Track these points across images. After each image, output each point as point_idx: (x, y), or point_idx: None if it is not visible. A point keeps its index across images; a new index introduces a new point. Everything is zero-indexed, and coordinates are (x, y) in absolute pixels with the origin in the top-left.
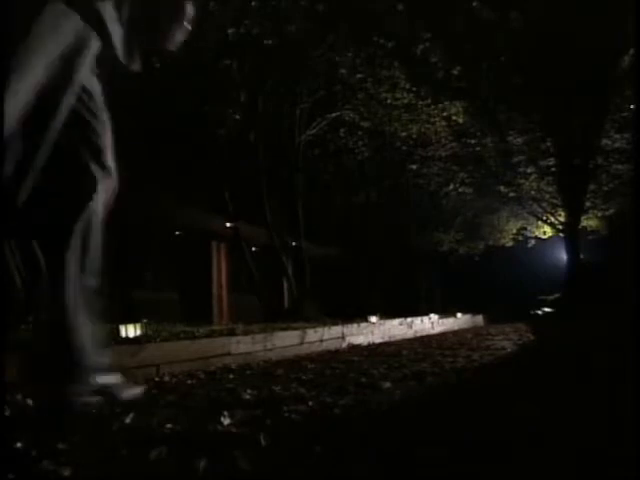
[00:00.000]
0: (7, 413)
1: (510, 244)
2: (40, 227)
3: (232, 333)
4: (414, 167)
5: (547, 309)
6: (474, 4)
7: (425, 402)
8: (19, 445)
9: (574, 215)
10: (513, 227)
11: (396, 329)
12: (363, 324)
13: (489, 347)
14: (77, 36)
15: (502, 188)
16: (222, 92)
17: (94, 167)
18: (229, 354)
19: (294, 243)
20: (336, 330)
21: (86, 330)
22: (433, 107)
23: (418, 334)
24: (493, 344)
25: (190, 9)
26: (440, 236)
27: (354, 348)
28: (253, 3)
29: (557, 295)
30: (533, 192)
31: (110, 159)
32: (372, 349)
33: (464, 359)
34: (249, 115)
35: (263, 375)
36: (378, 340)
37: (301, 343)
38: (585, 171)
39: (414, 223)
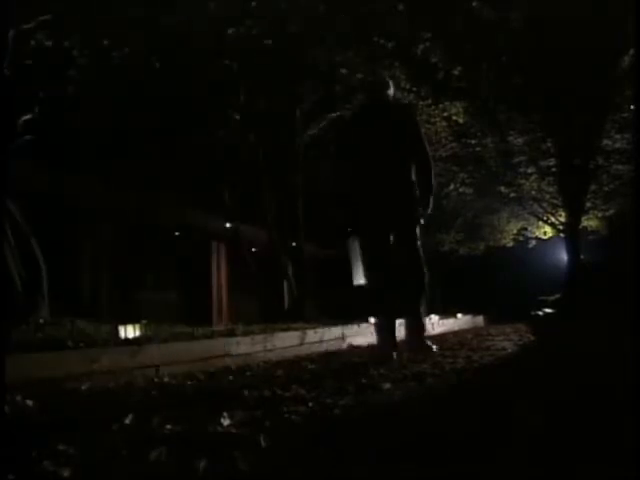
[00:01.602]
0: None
1: (511, 244)
2: None
3: (232, 334)
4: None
5: (548, 310)
6: (474, 4)
7: (425, 403)
8: (19, 445)
9: (575, 215)
10: (514, 227)
11: (396, 330)
12: (363, 325)
13: (489, 348)
14: None
15: (502, 188)
16: (222, 92)
17: None
18: (229, 355)
19: (294, 243)
20: (336, 331)
21: None
22: (433, 107)
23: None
24: (493, 345)
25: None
26: (441, 237)
27: (354, 349)
28: (253, 3)
29: (558, 296)
30: (534, 192)
31: None
32: (372, 350)
33: (464, 360)
34: (249, 115)
35: (263, 376)
36: None
37: (301, 344)
38: (586, 171)
39: None
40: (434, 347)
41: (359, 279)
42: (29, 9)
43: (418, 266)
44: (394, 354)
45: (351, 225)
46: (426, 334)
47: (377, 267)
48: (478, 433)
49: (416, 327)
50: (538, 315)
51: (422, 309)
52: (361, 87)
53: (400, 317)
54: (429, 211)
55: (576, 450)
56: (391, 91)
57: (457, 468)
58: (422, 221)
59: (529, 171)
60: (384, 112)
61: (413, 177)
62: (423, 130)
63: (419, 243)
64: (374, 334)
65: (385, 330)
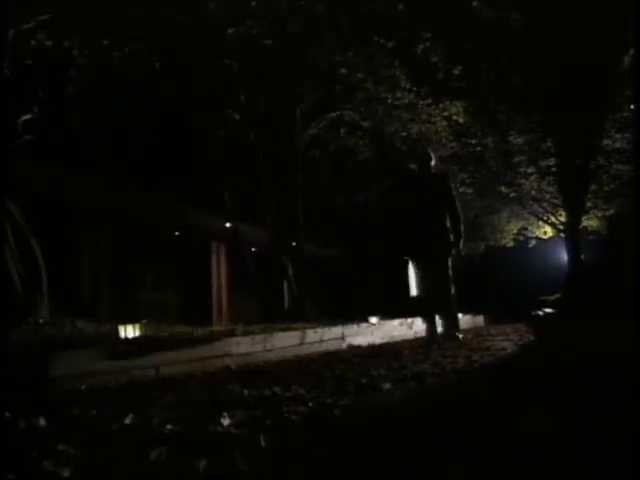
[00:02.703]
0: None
1: (511, 244)
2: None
3: (232, 334)
4: (414, 167)
5: (548, 309)
6: (474, 4)
7: (425, 403)
8: (19, 445)
9: (575, 215)
10: (514, 227)
11: (396, 330)
12: (363, 324)
13: (489, 348)
14: None
15: (503, 188)
16: (222, 92)
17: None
18: (229, 355)
19: (294, 243)
20: (336, 331)
21: None
22: (433, 107)
23: (418, 334)
24: (493, 345)
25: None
26: None
27: (354, 349)
28: (253, 3)
29: (558, 295)
30: (534, 192)
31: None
32: (372, 350)
33: (464, 360)
34: (249, 115)
35: (263, 376)
36: (378, 341)
37: (301, 344)
38: (586, 171)
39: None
40: (461, 336)
41: (413, 291)
42: (29, 9)
43: (446, 284)
44: (436, 341)
45: (407, 255)
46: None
47: (423, 284)
48: (478, 434)
49: (449, 323)
50: (538, 315)
51: (454, 310)
52: (412, 158)
53: (437, 315)
54: (460, 249)
55: (575, 451)
56: (433, 162)
57: (457, 471)
58: (453, 252)
59: (529, 171)
60: (427, 180)
61: (448, 224)
62: (454, 192)
63: (450, 269)
64: (423, 327)
65: (431, 325)
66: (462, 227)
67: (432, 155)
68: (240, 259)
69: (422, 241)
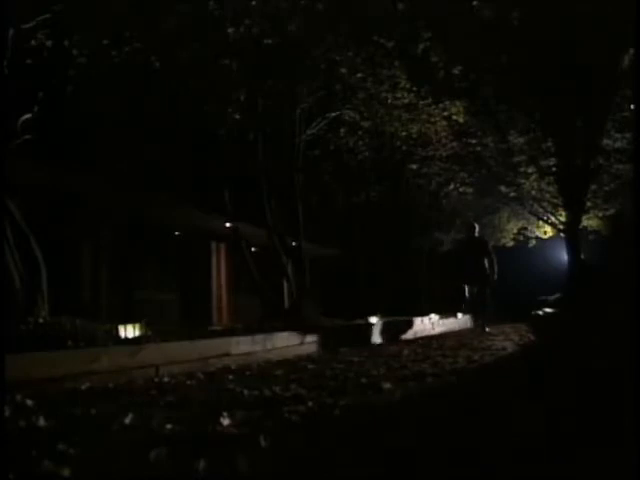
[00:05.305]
0: (7, 413)
1: (511, 244)
2: None
3: (232, 334)
4: (414, 167)
5: (548, 309)
6: (474, 4)
7: (424, 404)
8: (20, 444)
9: (575, 215)
10: (514, 227)
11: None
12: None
13: (489, 347)
14: None
15: (503, 188)
16: (222, 92)
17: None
18: (229, 355)
19: (294, 243)
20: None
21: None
22: (434, 107)
23: (418, 334)
24: (493, 344)
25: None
26: (441, 236)
27: (354, 348)
28: (253, 3)
29: (558, 295)
30: (534, 192)
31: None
32: (372, 349)
33: (464, 360)
34: (249, 115)
35: (263, 376)
36: (378, 340)
37: (301, 343)
38: (586, 171)
39: (414, 223)
40: (487, 329)
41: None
42: (29, 9)
43: (484, 298)
44: (485, 330)
45: (462, 280)
46: (432, 333)
47: (472, 296)
48: (476, 435)
49: (480, 320)
50: (538, 315)
51: (484, 314)
52: (463, 228)
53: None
54: (495, 278)
55: (577, 453)
56: (477, 229)
57: (456, 471)
58: (490, 280)
59: (529, 171)
60: (475, 240)
61: (487, 265)
62: (491, 245)
63: (488, 289)
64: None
65: (478, 319)
66: (496, 268)
67: (476, 225)
68: (240, 259)
69: (473, 273)
